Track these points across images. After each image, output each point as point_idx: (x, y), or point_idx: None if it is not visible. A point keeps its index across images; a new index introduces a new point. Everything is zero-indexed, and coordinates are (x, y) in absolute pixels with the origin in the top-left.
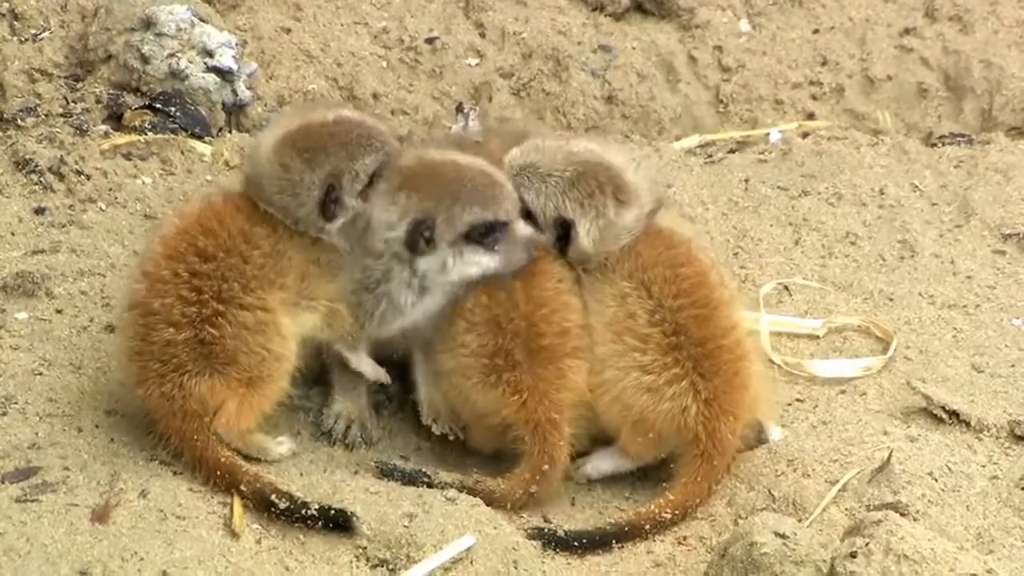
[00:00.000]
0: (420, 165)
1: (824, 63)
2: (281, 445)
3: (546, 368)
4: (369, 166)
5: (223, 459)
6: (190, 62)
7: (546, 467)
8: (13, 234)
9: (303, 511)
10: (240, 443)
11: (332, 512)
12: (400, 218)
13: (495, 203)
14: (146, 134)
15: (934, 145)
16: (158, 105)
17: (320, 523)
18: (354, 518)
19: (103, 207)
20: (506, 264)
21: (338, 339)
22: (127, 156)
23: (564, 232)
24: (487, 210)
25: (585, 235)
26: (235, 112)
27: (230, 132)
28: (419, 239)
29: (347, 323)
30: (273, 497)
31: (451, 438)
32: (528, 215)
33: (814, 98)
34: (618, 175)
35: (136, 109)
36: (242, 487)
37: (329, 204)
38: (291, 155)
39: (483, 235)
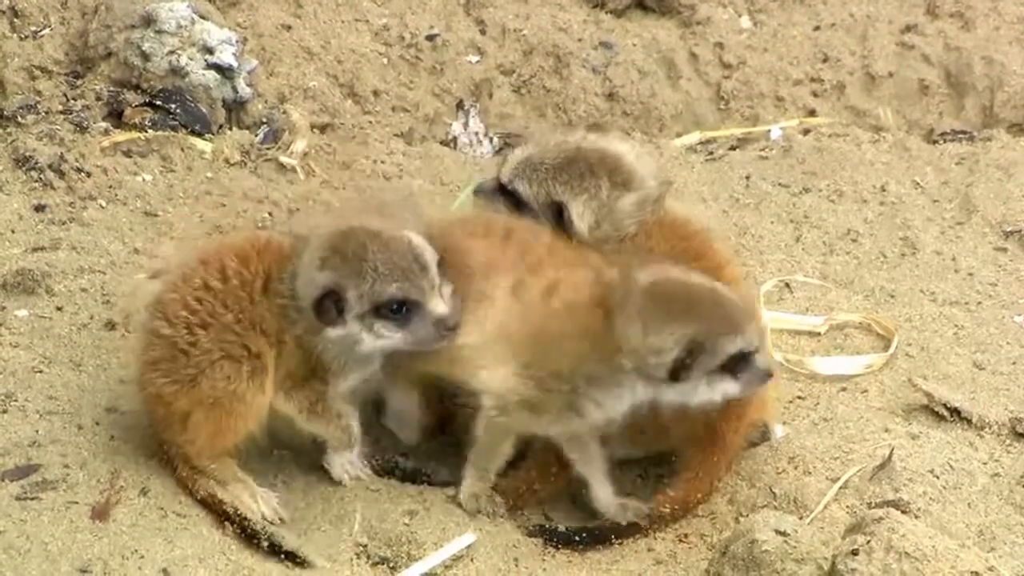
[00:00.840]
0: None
1: (825, 60)
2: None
3: None
4: (379, 294)
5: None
6: (190, 59)
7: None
8: (13, 231)
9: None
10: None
11: (283, 551)
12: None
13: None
14: (146, 131)
15: (935, 142)
16: (158, 102)
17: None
18: (305, 557)
19: (103, 204)
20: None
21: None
22: (127, 153)
23: (559, 216)
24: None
25: (579, 217)
26: (235, 109)
27: (230, 129)
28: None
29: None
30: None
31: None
32: (524, 205)
33: (815, 95)
34: (614, 159)
35: (136, 106)
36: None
37: (329, 308)
38: (317, 250)
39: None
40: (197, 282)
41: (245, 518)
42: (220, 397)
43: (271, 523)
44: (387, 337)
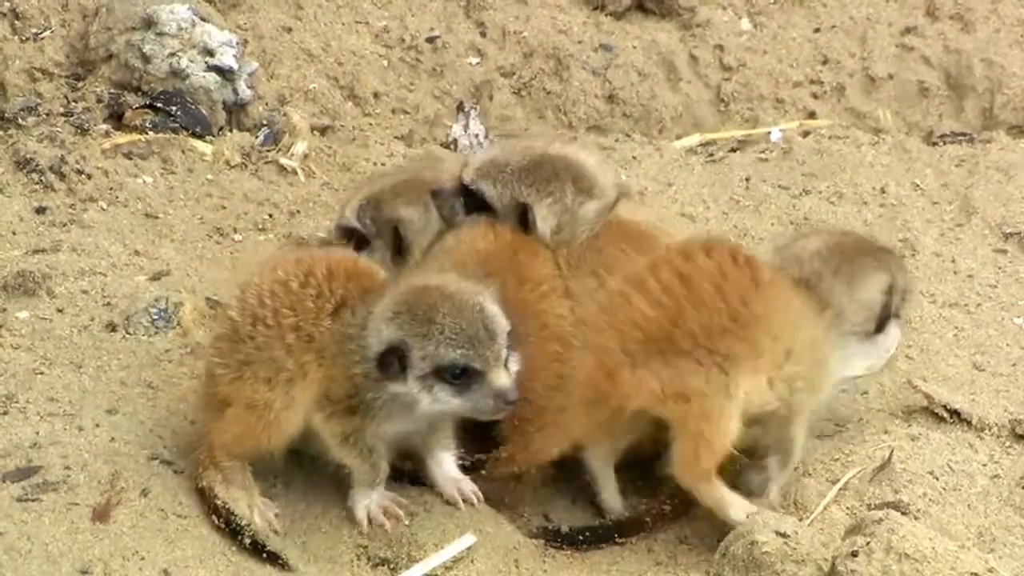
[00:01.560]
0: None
1: (825, 62)
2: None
3: None
4: (442, 357)
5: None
6: (191, 61)
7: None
8: (14, 233)
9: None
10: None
11: (265, 550)
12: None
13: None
14: (147, 133)
15: (935, 144)
16: (159, 104)
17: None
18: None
19: (104, 206)
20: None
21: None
22: (128, 155)
23: (523, 218)
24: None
25: (542, 220)
26: (236, 111)
27: (231, 131)
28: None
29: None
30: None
31: None
32: (488, 207)
33: (815, 97)
34: (578, 166)
35: (137, 108)
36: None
37: (392, 364)
38: (393, 301)
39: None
40: (280, 276)
41: (232, 513)
42: (255, 399)
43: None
44: (444, 402)
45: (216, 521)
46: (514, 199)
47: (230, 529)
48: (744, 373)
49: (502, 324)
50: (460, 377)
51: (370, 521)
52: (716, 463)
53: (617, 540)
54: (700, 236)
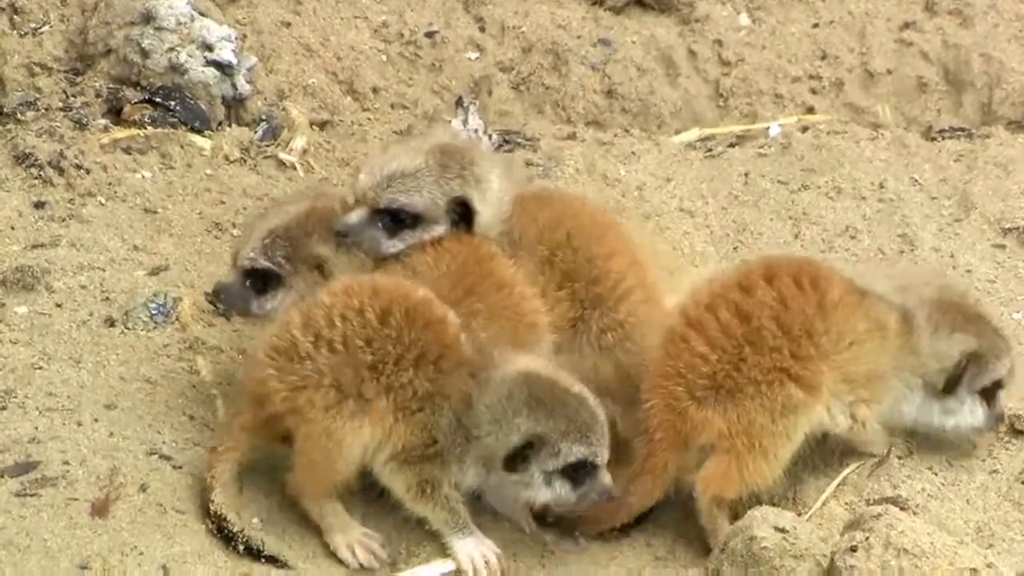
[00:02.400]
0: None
1: (824, 57)
2: None
3: None
4: (573, 455)
5: None
6: (190, 56)
7: None
8: (13, 228)
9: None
10: None
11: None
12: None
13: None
14: (146, 128)
15: (934, 139)
16: (158, 99)
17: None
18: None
19: (103, 201)
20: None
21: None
22: (127, 150)
23: (463, 213)
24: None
25: (483, 206)
26: (235, 106)
27: (230, 126)
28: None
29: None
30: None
31: None
32: (401, 219)
33: (814, 92)
34: (470, 149)
35: (136, 103)
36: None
37: (519, 458)
38: (523, 391)
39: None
40: (354, 303)
41: (224, 519)
42: (315, 427)
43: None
44: (561, 496)
45: (209, 525)
46: (449, 197)
47: (223, 536)
48: (805, 411)
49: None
50: (580, 472)
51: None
52: (750, 491)
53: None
54: (765, 258)
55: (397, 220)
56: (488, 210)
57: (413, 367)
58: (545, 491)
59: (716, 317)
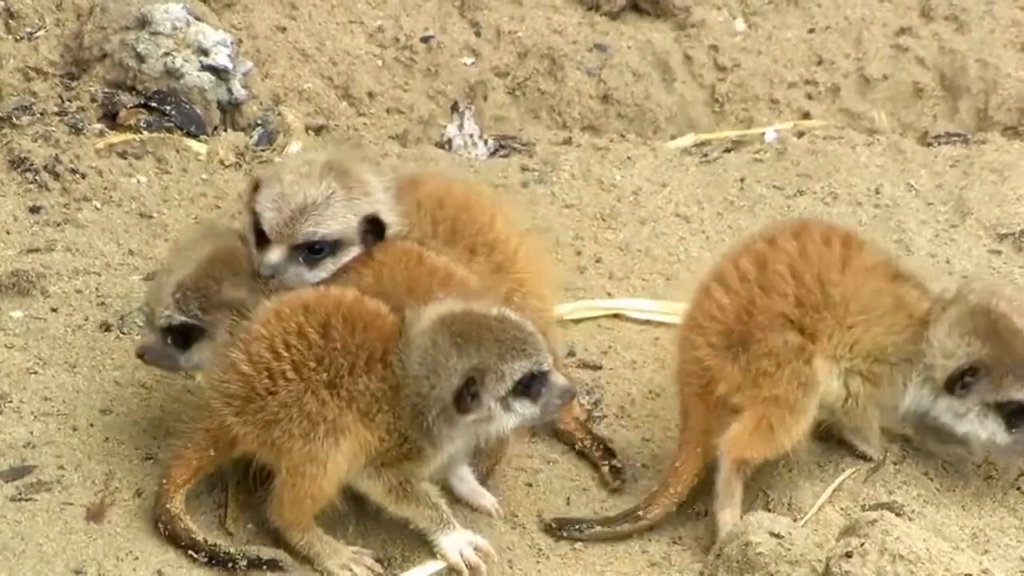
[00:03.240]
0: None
1: (820, 62)
2: None
3: None
4: (516, 371)
5: None
6: (185, 61)
7: None
8: (8, 232)
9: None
10: None
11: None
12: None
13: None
14: (141, 133)
15: (930, 144)
16: (153, 104)
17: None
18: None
19: (98, 206)
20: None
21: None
22: (122, 155)
23: (377, 229)
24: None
25: (390, 215)
26: (230, 111)
27: (225, 131)
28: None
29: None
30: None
31: None
32: (319, 249)
33: (810, 97)
34: (345, 158)
35: (131, 108)
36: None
37: (466, 397)
38: (444, 335)
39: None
40: (291, 326)
41: (213, 545)
42: (295, 461)
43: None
44: (524, 414)
45: (200, 556)
46: (361, 216)
47: (218, 561)
48: (807, 360)
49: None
50: (532, 385)
51: (467, 564)
52: (773, 455)
53: (643, 517)
54: (801, 219)
55: (315, 251)
56: (392, 217)
57: (365, 372)
58: (507, 417)
59: (736, 266)
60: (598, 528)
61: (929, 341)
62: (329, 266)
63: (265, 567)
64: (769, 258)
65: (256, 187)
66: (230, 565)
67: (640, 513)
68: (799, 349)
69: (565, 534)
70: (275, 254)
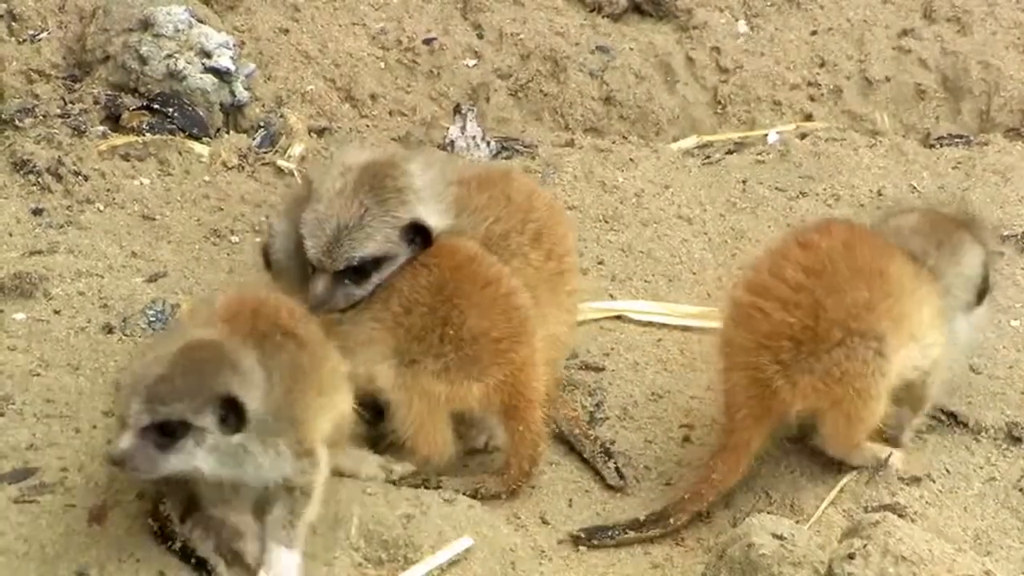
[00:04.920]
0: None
1: (822, 64)
2: None
3: None
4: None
5: None
6: (188, 63)
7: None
8: (11, 235)
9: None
10: None
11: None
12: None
13: None
14: (144, 135)
15: (932, 146)
16: (156, 106)
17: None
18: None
19: (101, 208)
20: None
21: None
22: (125, 157)
23: (423, 234)
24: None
25: (433, 217)
26: (233, 113)
27: (228, 133)
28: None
29: None
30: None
31: None
32: (364, 269)
33: (812, 99)
34: (391, 160)
35: (134, 110)
36: None
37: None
38: None
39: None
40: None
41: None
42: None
43: None
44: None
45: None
46: (400, 227)
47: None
48: (894, 348)
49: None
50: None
51: None
52: (866, 435)
53: (673, 524)
54: (810, 222)
55: (359, 271)
56: (436, 217)
57: None
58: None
59: (783, 279)
60: (630, 533)
61: (949, 282)
62: (375, 279)
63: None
64: (820, 261)
65: (299, 201)
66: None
67: (672, 520)
68: (887, 336)
69: (596, 542)
70: (320, 286)
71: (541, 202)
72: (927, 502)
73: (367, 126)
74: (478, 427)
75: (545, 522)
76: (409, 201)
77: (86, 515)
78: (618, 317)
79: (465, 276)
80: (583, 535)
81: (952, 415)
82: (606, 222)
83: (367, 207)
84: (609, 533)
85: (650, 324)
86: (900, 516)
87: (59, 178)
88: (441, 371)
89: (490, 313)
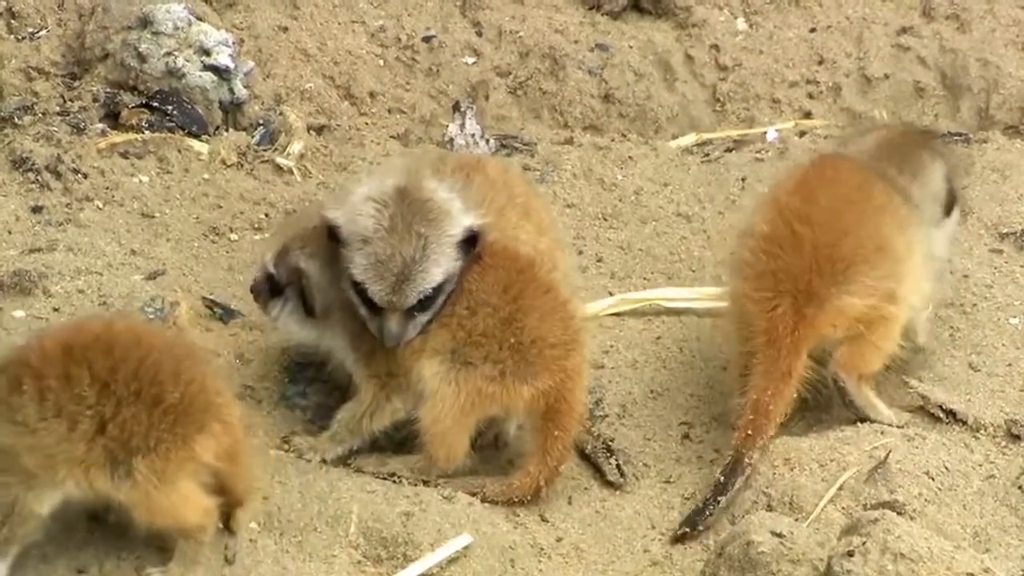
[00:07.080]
0: None
1: (821, 62)
2: None
3: None
4: None
5: None
6: (187, 61)
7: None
8: (10, 232)
9: None
10: None
11: None
12: None
13: None
14: (143, 132)
15: None
16: (155, 104)
17: None
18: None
19: (100, 206)
20: None
21: None
22: (124, 155)
23: (471, 238)
24: None
25: (473, 216)
26: (232, 111)
27: (227, 131)
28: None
29: None
30: None
31: None
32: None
33: (811, 97)
34: (426, 176)
35: (133, 108)
36: None
37: None
38: None
39: None
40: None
41: None
42: None
43: None
44: None
45: None
46: (453, 245)
47: None
48: (905, 279)
49: None
50: None
51: None
52: (880, 367)
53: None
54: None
55: (428, 298)
56: (473, 217)
57: None
58: None
59: (819, 206)
60: (721, 499)
61: (917, 201)
62: (441, 301)
63: None
64: (822, 200)
65: (333, 231)
66: None
67: (747, 460)
68: (886, 276)
69: (701, 527)
70: (394, 324)
71: (517, 180)
72: (926, 500)
73: (366, 124)
74: (493, 422)
75: (544, 520)
76: (452, 212)
77: (86, 513)
78: (617, 314)
79: (528, 279)
80: (687, 529)
81: (951, 412)
82: (605, 220)
83: (425, 235)
84: (706, 511)
85: (648, 322)
86: (899, 514)
87: (58, 176)
88: (497, 376)
89: (550, 319)
